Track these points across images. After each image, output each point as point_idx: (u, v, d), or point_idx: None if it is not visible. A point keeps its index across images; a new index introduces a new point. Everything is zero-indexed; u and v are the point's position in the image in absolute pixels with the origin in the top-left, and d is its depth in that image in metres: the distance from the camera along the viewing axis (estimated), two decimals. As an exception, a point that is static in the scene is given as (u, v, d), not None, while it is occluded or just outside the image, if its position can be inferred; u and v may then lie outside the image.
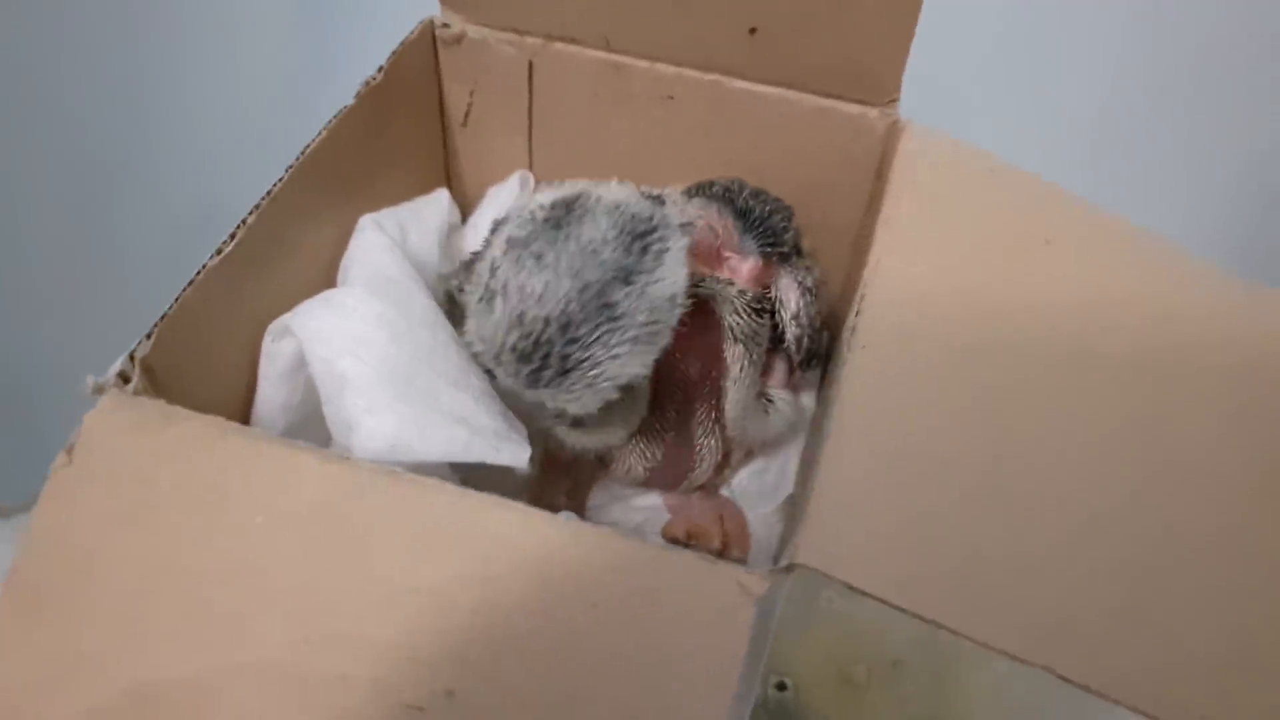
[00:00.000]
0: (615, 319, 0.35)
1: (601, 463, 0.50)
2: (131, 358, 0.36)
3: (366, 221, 0.47)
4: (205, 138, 0.77)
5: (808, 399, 0.52)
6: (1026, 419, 0.37)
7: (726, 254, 0.44)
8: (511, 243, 0.36)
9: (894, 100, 0.46)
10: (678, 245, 0.37)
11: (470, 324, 0.38)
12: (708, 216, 0.43)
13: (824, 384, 0.51)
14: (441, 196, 0.52)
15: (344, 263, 0.45)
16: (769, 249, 0.44)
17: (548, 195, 0.37)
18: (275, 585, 0.32)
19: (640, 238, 0.36)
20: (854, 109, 0.47)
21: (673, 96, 0.49)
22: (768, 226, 0.44)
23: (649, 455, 0.48)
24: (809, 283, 0.45)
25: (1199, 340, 0.39)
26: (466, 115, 0.53)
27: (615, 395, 0.37)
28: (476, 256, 0.39)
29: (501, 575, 0.32)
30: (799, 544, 0.32)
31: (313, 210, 0.44)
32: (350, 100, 0.45)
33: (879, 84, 0.46)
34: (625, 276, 0.35)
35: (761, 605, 0.32)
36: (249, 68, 0.76)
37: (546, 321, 0.35)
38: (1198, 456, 0.37)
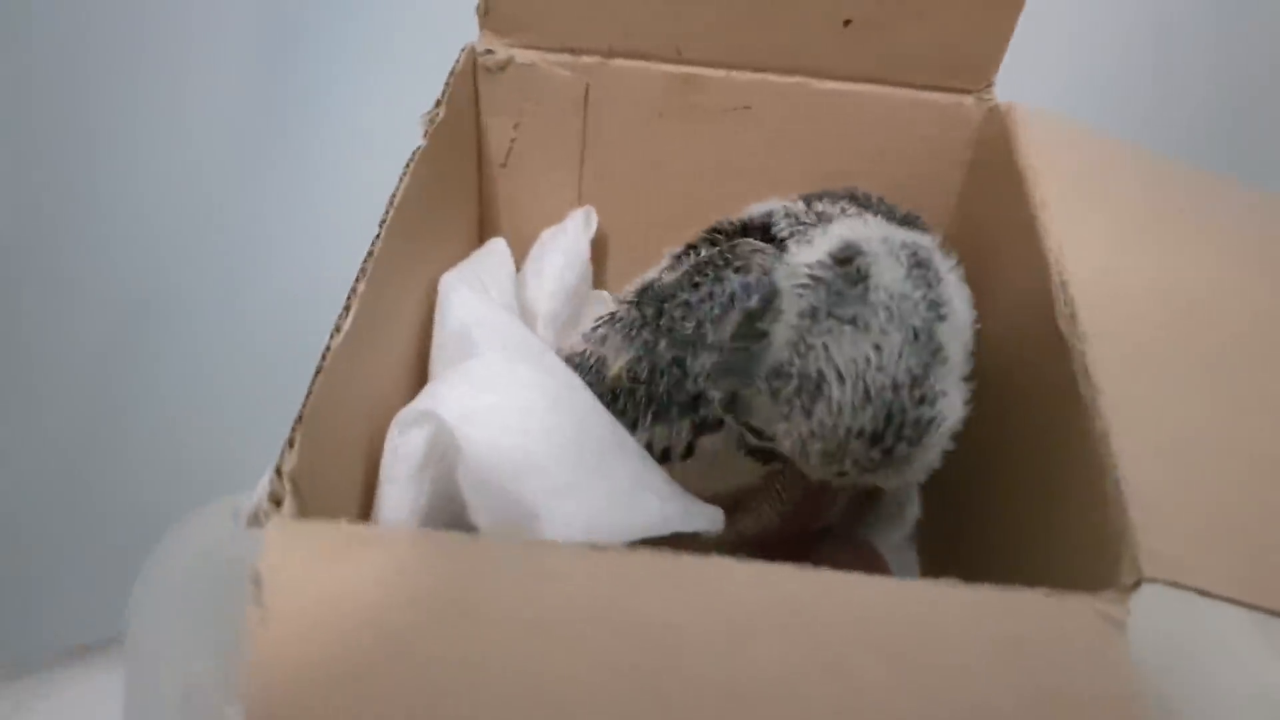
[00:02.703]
0: (945, 361, 0.30)
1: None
2: (279, 473, 0.28)
3: (453, 281, 0.40)
4: (141, 210, 0.64)
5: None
6: (1262, 390, 0.35)
7: None
8: (813, 314, 0.30)
9: (990, 85, 0.44)
10: (945, 262, 0.33)
11: (781, 426, 0.31)
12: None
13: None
14: (500, 246, 0.46)
15: (449, 328, 0.38)
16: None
17: (809, 254, 0.32)
18: (585, 711, 0.25)
19: (924, 266, 0.31)
20: (948, 99, 0.44)
21: (749, 106, 0.45)
22: (915, 229, 0.40)
23: (785, 496, 0.43)
24: None
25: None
26: (508, 154, 0.47)
27: (951, 447, 0.32)
28: (753, 346, 0.32)
29: (847, 656, 0.26)
30: (1141, 556, 0.29)
31: (402, 271, 0.37)
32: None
33: (977, 68, 0.43)
34: (938, 310, 0.31)
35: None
36: (196, 120, 0.64)
37: (895, 387, 0.29)
38: None
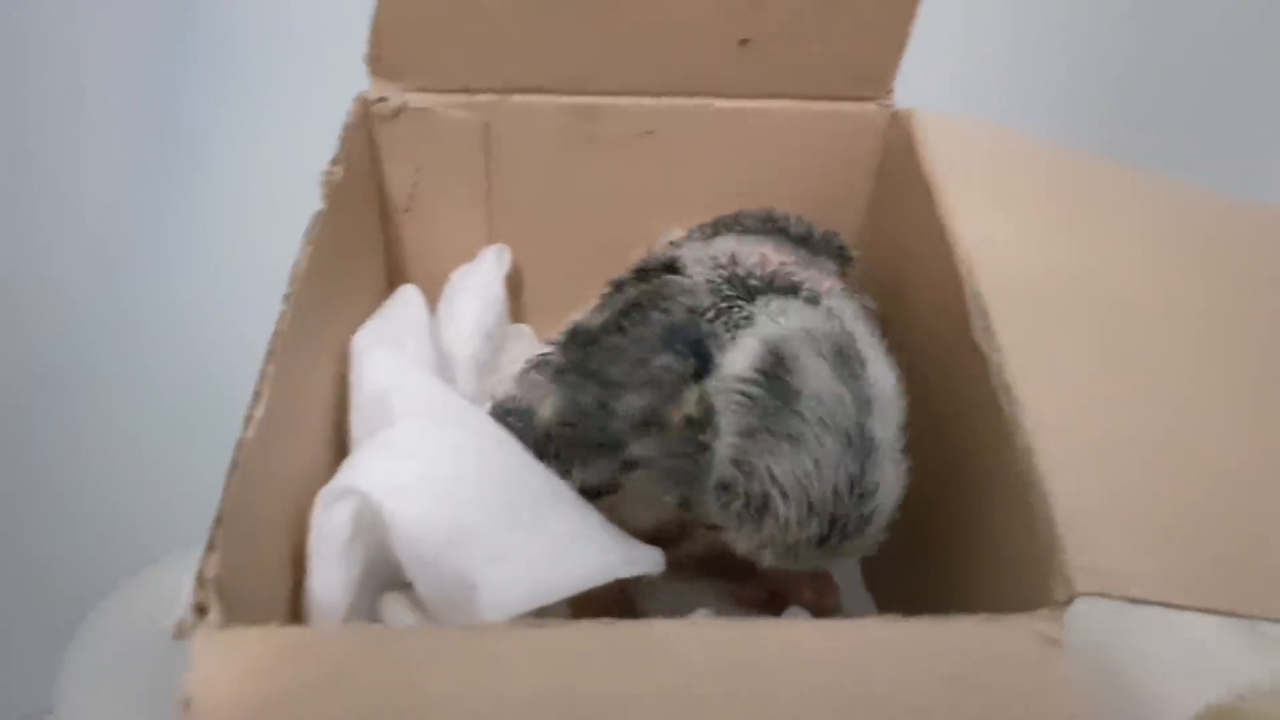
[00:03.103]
0: (876, 450, 0.31)
1: (664, 537, 0.45)
2: (201, 580, 0.27)
3: (366, 342, 0.39)
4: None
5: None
6: (1180, 384, 0.36)
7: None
8: (749, 433, 0.31)
9: (890, 91, 0.44)
10: (866, 337, 0.33)
11: (732, 534, 0.32)
12: (771, 254, 0.39)
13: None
14: (411, 293, 0.44)
15: (366, 393, 0.37)
16: (843, 270, 0.40)
17: (738, 365, 0.32)
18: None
19: (847, 358, 0.31)
20: (850, 107, 0.44)
21: (652, 131, 0.45)
22: (832, 247, 0.40)
23: None
24: (872, 306, 0.42)
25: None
26: (411, 198, 0.46)
27: (896, 517, 0.32)
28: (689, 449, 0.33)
29: (800, 711, 0.26)
30: (1071, 572, 0.29)
31: (312, 339, 0.36)
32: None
33: (876, 76, 0.44)
34: (866, 405, 0.31)
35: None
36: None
37: (836, 495, 0.30)
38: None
